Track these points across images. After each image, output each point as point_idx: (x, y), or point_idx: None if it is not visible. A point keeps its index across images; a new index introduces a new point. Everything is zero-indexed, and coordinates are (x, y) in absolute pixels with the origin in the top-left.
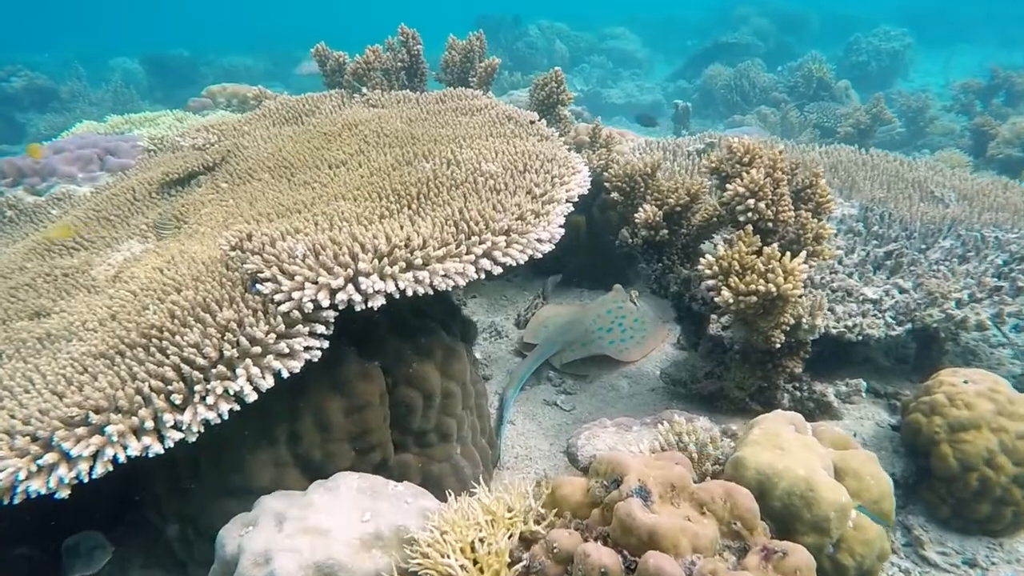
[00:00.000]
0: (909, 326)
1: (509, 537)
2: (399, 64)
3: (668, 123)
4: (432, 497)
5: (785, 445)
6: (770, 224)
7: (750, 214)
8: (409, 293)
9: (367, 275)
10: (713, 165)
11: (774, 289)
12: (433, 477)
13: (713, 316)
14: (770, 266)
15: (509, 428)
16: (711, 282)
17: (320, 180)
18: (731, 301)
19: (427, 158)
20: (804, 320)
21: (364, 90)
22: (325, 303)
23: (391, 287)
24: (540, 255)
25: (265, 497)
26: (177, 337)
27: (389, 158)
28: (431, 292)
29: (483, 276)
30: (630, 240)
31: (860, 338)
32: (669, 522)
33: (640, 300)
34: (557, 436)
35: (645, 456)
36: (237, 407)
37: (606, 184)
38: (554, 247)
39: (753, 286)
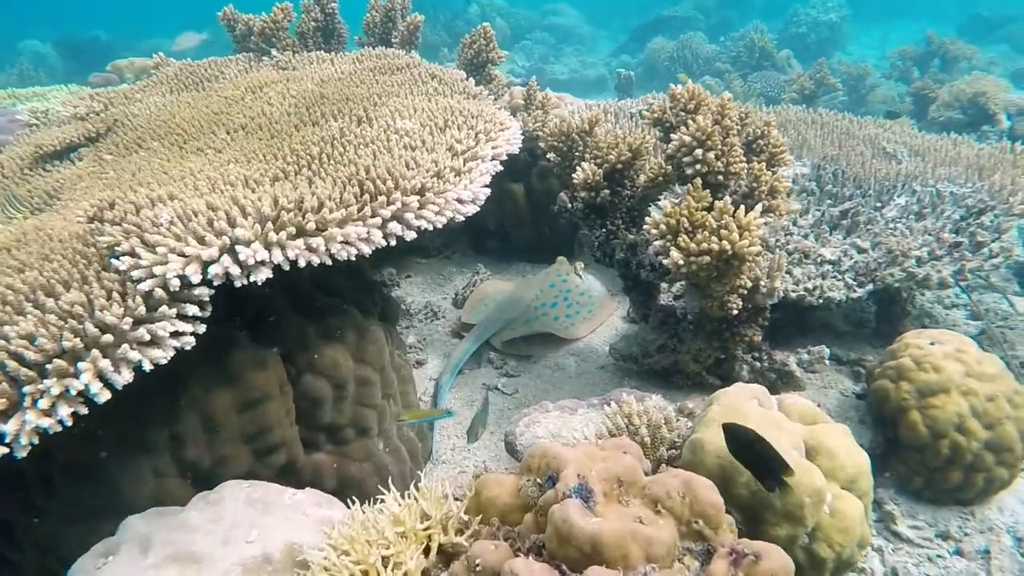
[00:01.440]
0: (871, 287)
1: (425, 553)
2: (313, 24)
3: (611, 94)
4: (340, 505)
5: (749, 422)
6: (720, 177)
7: (698, 166)
8: (302, 264)
9: (247, 243)
10: (655, 115)
11: (728, 247)
12: (352, 479)
13: (664, 284)
14: (723, 222)
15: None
16: (658, 243)
17: (215, 146)
18: (681, 263)
19: (336, 117)
20: (762, 283)
21: (274, 52)
22: (196, 278)
23: (278, 257)
24: (462, 217)
25: (131, 518)
26: (6, 328)
27: (293, 119)
28: (329, 262)
29: (393, 242)
30: (569, 204)
31: (821, 301)
32: (616, 527)
33: (585, 272)
34: (498, 423)
35: (588, 445)
36: (85, 410)
37: (541, 144)
38: (479, 208)
39: (705, 244)
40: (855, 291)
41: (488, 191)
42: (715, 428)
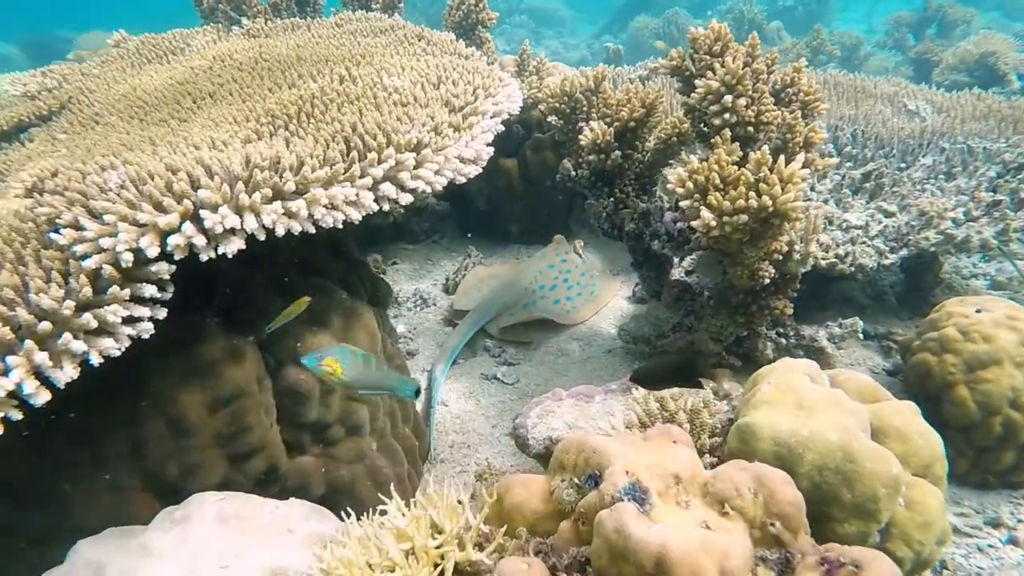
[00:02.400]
0: (904, 252)
1: (439, 574)
2: None
3: None
4: (331, 517)
5: (807, 402)
6: (750, 129)
7: (727, 115)
8: (280, 232)
9: (213, 207)
10: (674, 63)
11: (769, 203)
12: (342, 484)
13: (675, 259)
14: (761, 174)
15: (441, 410)
16: (686, 203)
17: (179, 116)
18: (713, 224)
19: (315, 78)
20: (796, 247)
21: (244, 21)
22: (153, 252)
23: (251, 224)
24: (463, 179)
25: (83, 542)
26: None
27: (267, 83)
28: (311, 229)
29: (387, 207)
30: (573, 173)
31: (853, 269)
32: (684, 538)
33: (586, 251)
34: (501, 416)
35: (629, 435)
36: (18, 415)
37: (540, 108)
38: (481, 169)
39: (741, 202)
40: (887, 257)
41: (491, 150)
42: (769, 410)
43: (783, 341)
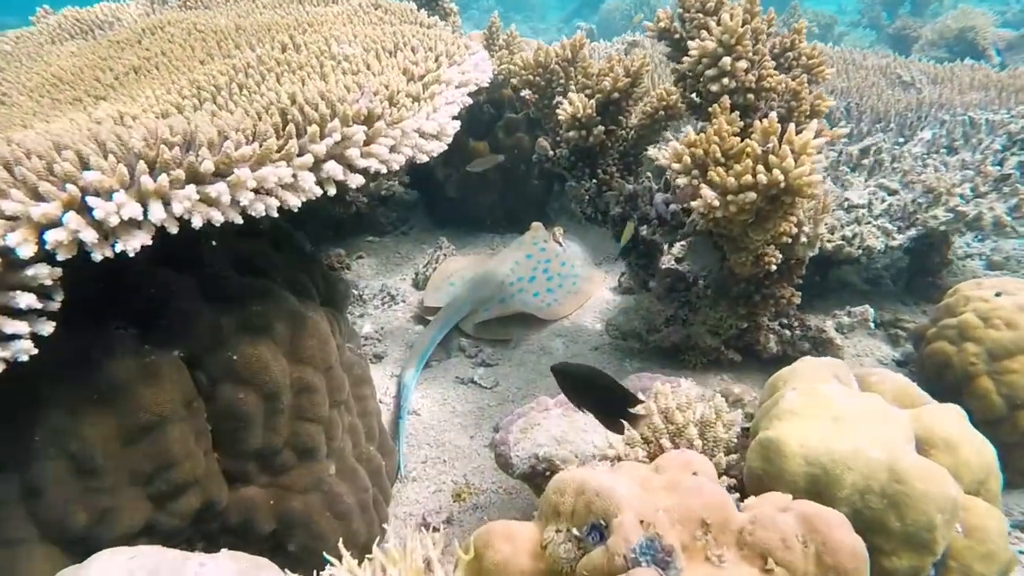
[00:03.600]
0: (912, 232)
1: None
2: None
3: None
4: (273, 569)
5: (842, 412)
6: (751, 96)
7: (726, 81)
8: (197, 223)
9: (106, 193)
10: (662, 25)
11: (781, 178)
12: (296, 518)
13: (666, 246)
14: (769, 146)
15: (412, 420)
16: (683, 180)
17: (96, 93)
18: (716, 204)
19: (254, 47)
20: (805, 229)
21: None
22: (26, 251)
23: (158, 214)
24: (425, 157)
25: None
26: None
27: (200, 54)
28: (238, 219)
29: (332, 190)
30: (551, 152)
31: (860, 251)
32: None
33: (566, 238)
34: (479, 425)
35: (635, 468)
36: None
37: (512, 82)
38: (446, 147)
39: (748, 178)
40: (894, 238)
41: (457, 124)
42: (796, 422)
43: (787, 333)
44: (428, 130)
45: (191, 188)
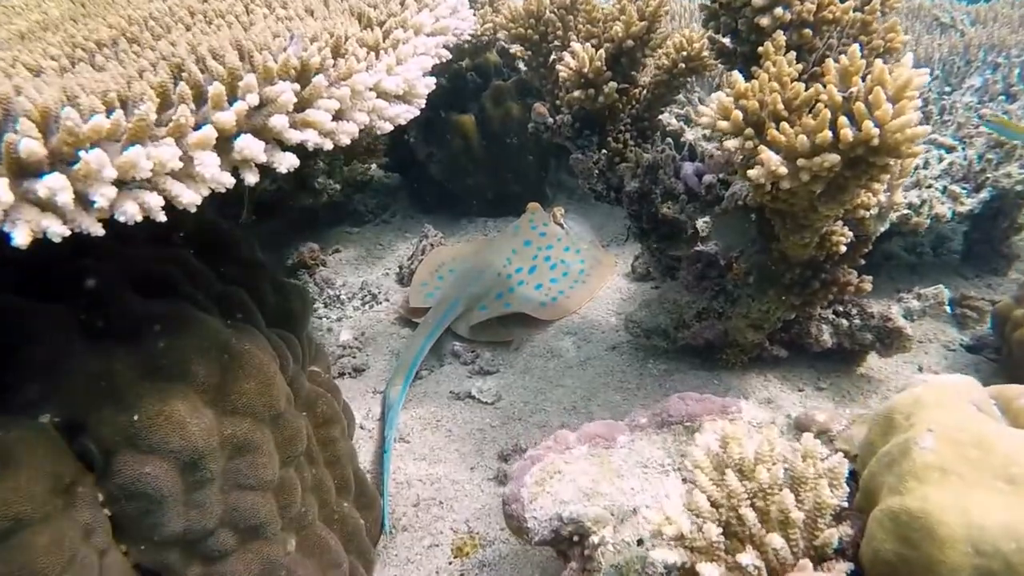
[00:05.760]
0: (985, 195)
1: None
2: None
3: None
4: None
5: (1017, 466)
6: (807, 32)
7: (779, 11)
8: (20, 240)
9: None
10: None
11: (875, 132)
12: None
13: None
14: (853, 90)
15: (399, 450)
16: (733, 143)
17: None
18: (784, 172)
19: None
20: (880, 199)
21: None
22: None
23: None
24: (387, 125)
25: None
26: None
27: (92, 8)
28: (95, 230)
29: (252, 179)
30: (550, 119)
31: (929, 220)
32: None
33: (567, 219)
34: (480, 451)
35: None
36: None
37: (501, 36)
38: (418, 111)
39: (825, 134)
40: (963, 202)
41: (432, 82)
42: (948, 486)
43: (844, 323)
44: (390, 88)
45: (3, 184)
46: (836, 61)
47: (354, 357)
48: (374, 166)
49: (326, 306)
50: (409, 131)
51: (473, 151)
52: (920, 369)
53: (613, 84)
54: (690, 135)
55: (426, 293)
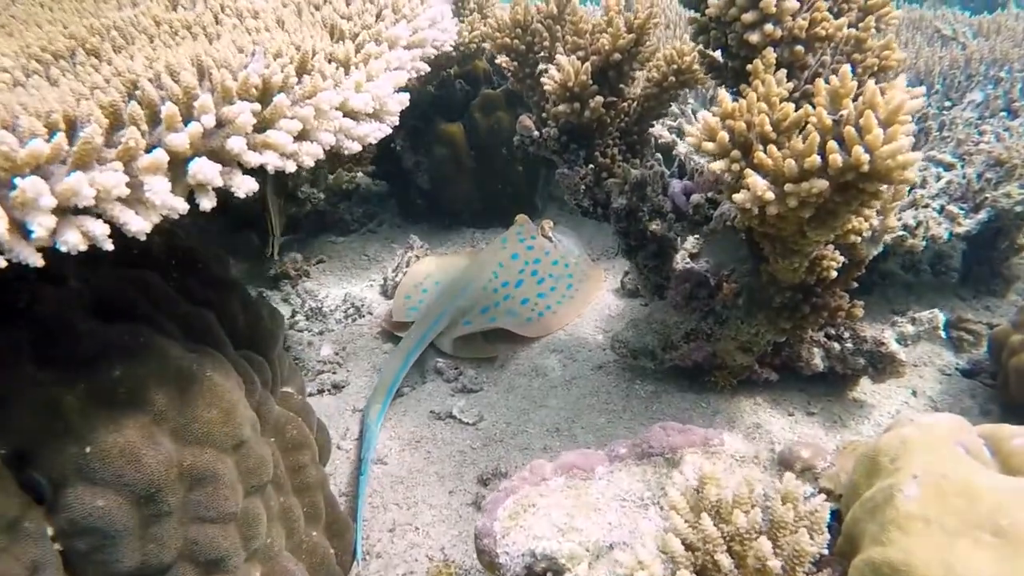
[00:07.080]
0: (983, 215)
1: None
2: None
3: None
4: None
5: (1004, 518)
6: (798, 48)
7: (769, 27)
8: None
9: None
10: None
11: (865, 158)
12: None
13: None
14: (843, 112)
15: (377, 472)
16: (719, 165)
17: None
18: (771, 198)
19: (124, 7)
20: (873, 221)
21: None
22: None
23: None
24: (355, 145)
25: None
26: None
27: (61, 14)
28: (32, 261)
29: (207, 204)
30: (536, 132)
31: (925, 242)
32: None
33: (556, 232)
34: (460, 474)
35: None
36: None
37: (487, 46)
38: (391, 129)
39: (814, 159)
40: (961, 223)
41: (405, 98)
42: (931, 538)
43: (836, 347)
44: (358, 107)
45: None
46: (827, 81)
47: (334, 373)
48: (360, 174)
49: (308, 319)
50: (396, 139)
51: (461, 160)
52: (914, 394)
53: (599, 99)
54: (682, 148)
55: (409, 307)
